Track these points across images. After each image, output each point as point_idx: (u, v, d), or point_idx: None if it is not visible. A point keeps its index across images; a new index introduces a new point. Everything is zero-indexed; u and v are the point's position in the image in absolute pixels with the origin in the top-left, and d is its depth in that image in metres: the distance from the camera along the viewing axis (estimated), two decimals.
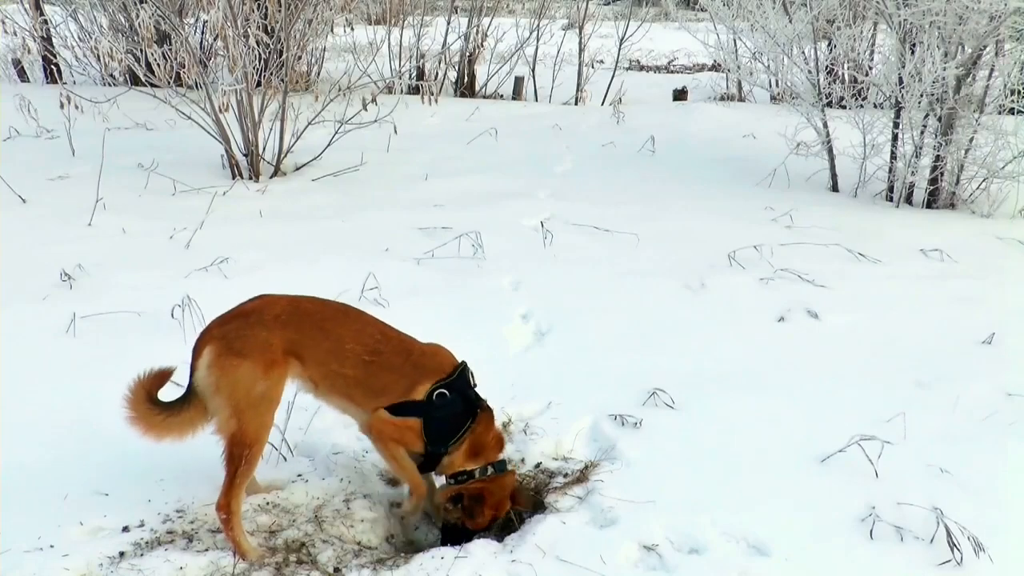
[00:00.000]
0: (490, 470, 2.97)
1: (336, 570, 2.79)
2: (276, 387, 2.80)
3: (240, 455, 2.72)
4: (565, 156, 8.78)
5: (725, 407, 3.75)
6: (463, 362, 3.01)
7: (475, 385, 3.01)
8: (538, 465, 3.39)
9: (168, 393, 2.89)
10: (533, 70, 12.41)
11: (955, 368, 4.19)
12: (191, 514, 2.97)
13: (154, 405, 2.81)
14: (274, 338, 2.77)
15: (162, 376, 2.85)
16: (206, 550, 2.80)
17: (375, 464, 3.34)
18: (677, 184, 7.76)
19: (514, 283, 5.21)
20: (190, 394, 2.81)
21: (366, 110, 7.61)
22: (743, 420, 3.64)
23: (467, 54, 12.09)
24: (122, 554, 2.76)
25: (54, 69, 10.85)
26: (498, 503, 2.98)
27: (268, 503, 3.08)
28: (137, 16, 7.32)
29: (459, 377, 2.95)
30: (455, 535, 2.99)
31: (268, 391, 2.76)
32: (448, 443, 2.93)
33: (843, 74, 9.91)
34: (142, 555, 2.76)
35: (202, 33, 9.26)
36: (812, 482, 3.17)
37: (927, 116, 7.04)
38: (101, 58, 9.42)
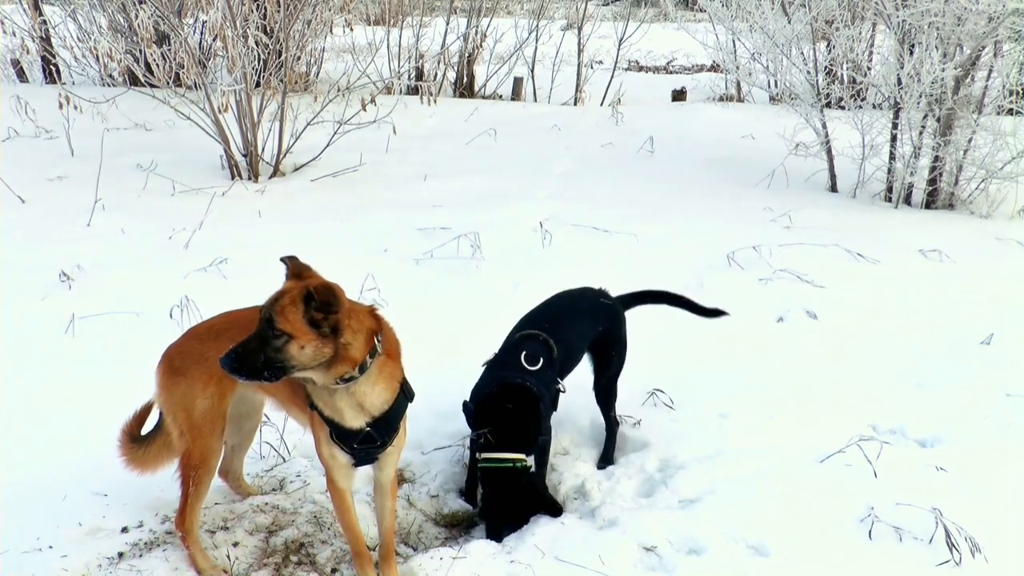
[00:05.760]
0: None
1: (334, 570, 2.80)
2: (218, 405, 2.64)
3: (188, 476, 2.66)
4: (564, 156, 8.77)
5: (724, 407, 3.75)
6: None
7: None
8: None
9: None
10: (532, 70, 12.41)
11: (954, 368, 4.19)
12: None
13: (135, 442, 2.82)
14: (209, 351, 2.58)
15: (142, 414, 2.84)
16: (203, 550, 2.80)
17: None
18: (676, 184, 7.75)
19: (513, 283, 5.21)
20: (160, 423, 2.78)
21: (365, 110, 7.62)
22: (743, 420, 3.65)
23: (466, 54, 12.09)
24: (121, 555, 2.76)
25: (53, 69, 10.84)
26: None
27: (268, 503, 3.08)
28: (136, 16, 7.31)
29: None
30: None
31: (210, 409, 2.62)
32: None
33: (842, 75, 9.91)
34: (141, 556, 2.76)
35: (201, 33, 9.24)
36: (812, 482, 3.17)
37: (926, 117, 7.04)
38: (100, 58, 9.38)
